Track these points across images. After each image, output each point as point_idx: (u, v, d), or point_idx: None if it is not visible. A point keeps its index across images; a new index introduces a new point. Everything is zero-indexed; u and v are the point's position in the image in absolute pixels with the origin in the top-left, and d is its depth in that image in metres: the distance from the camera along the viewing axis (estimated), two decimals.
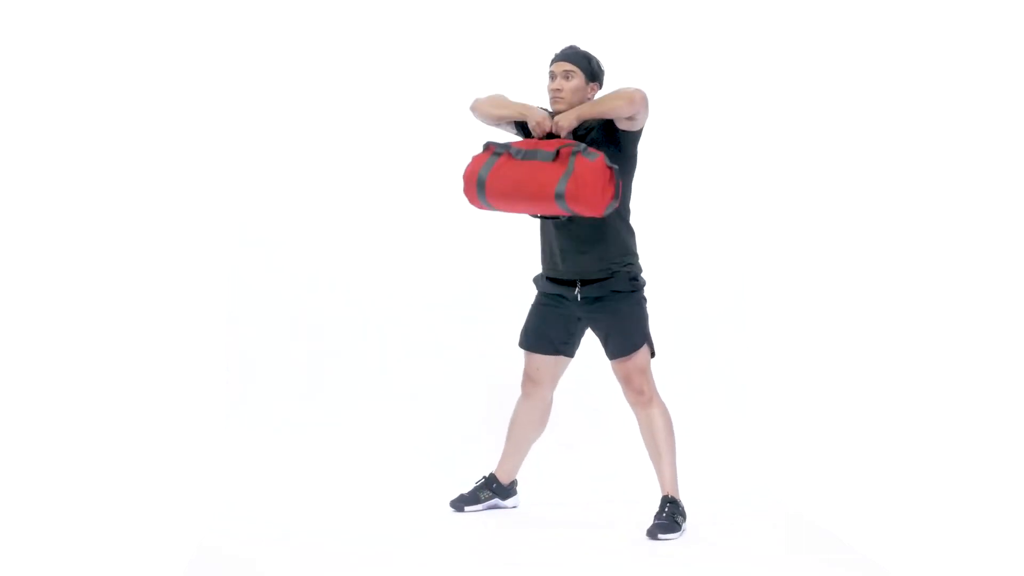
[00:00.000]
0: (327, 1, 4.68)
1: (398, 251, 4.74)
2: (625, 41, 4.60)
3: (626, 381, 3.50)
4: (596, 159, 3.26)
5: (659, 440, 3.50)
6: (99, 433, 2.46)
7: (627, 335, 3.47)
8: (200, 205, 3.92)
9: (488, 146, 3.44)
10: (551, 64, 3.50)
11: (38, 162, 2.14)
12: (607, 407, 4.16)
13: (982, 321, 2.76)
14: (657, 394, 3.53)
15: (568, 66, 3.45)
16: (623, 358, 3.49)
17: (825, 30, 3.95)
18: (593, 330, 3.57)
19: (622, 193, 3.43)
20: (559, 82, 3.45)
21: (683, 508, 3.48)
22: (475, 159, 3.44)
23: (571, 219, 3.42)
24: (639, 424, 3.53)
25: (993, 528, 2.68)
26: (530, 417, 3.71)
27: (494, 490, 3.76)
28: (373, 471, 4.16)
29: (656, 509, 3.47)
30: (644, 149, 3.50)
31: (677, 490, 3.50)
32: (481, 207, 3.43)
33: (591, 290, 3.47)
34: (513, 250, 4.24)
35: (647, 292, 3.56)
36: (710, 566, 3.13)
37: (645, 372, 3.50)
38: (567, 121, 3.37)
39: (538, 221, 3.61)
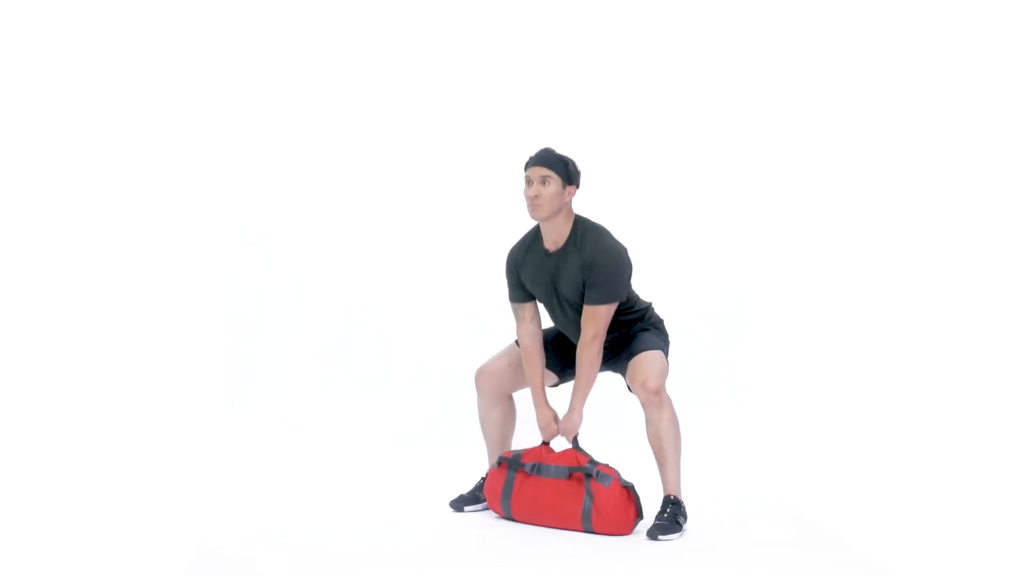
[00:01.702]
0: (328, 4, 4.68)
1: (398, 252, 4.74)
2: (625, 42, 4.61)
3: (646, 379, 3.47)
4: (610, 484, 3.40)
5: (667, 442, 3.47)
6: (100, 433, 2.47)
7: (653, 335, 3.59)
8: (200, 205, 3.92)
9: (501, 462, 3.58)
10: (526, 168, 3.50)
11: (40, 163, 2.14)
12: (607, 406, 4.15)
13: (981, 322, 2.76)
14: (669, 398, 3.52)
15: (544, 171, 3.44)
16: (651, 351, 3.51)
17: (823, 33, 3.95)
18: (614, 359, 3.62)
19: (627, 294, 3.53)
20: (536, 188, 3.44)
21: (685, 509, 3.47)
22: (492, 477, 3.62)
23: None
24: (648, 424, 3.49)
25: (993, 528, 2.68)
26: (494, 414, 3.73)
27: None
28: (373, 471, 4.16)
29: (658, 509, 3.47)
30: (646, 150, 3.50)
31: (680, 491, 3.49)
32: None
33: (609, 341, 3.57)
34: None
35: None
36: (710, 566, 3.13)
37: (665, 374, 3.51)
38: (573, 427, 3.54)
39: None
